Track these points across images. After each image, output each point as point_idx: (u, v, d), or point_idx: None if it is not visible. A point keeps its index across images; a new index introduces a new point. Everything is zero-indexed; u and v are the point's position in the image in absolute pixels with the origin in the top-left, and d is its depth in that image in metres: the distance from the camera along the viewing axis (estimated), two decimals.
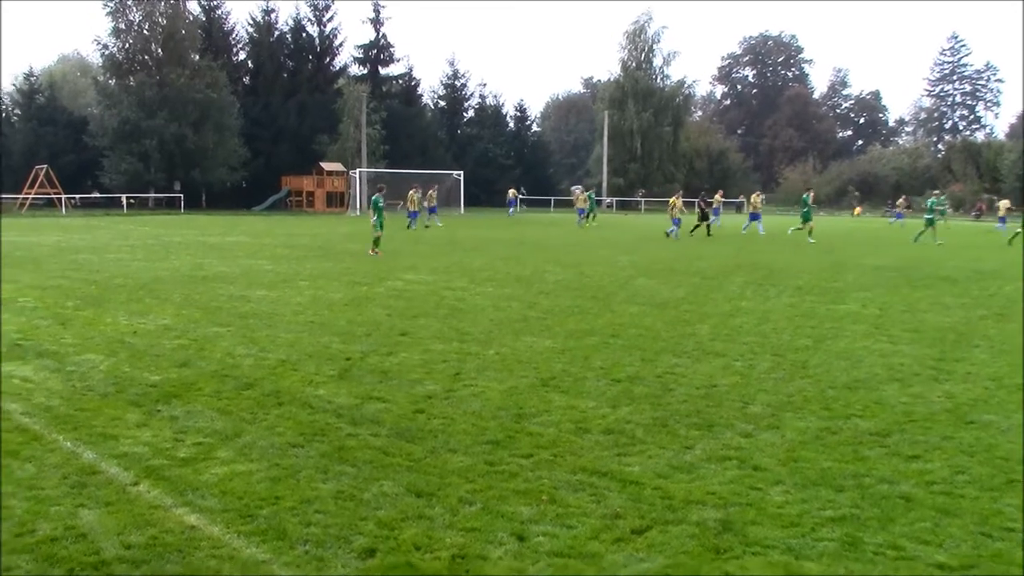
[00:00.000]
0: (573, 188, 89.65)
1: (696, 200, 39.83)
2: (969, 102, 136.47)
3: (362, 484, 6.03)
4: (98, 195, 65.67)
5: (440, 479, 6.14)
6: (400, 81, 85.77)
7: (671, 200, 37.04)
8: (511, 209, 64.09)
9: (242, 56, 79.44)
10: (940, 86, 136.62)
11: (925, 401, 8.54)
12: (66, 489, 5.88)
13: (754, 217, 40.98)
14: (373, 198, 26.68)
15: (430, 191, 47.21)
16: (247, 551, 4.94)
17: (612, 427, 7.49)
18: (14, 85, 76.43)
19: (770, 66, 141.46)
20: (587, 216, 48.55)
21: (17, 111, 74.27)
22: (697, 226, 37.65)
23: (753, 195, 44.09)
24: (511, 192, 65.68)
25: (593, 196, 51.79)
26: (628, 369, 9.86)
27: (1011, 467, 6.50)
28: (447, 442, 7.01)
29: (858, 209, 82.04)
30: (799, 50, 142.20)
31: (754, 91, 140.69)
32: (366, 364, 9.98)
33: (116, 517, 5.40)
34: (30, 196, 59.71)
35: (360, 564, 4.80)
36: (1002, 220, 44.74)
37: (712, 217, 39.00)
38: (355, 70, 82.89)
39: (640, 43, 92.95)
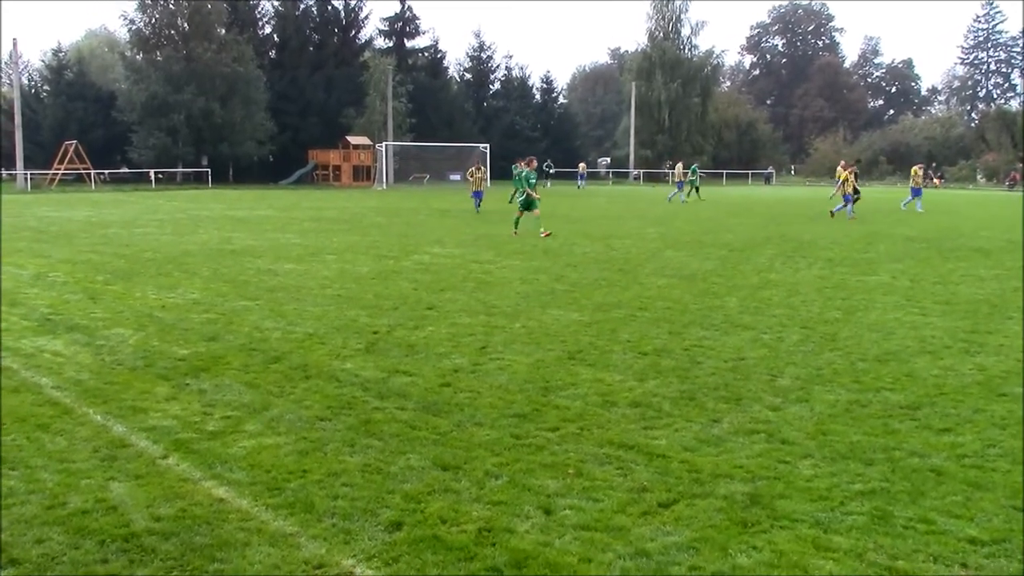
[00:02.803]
0: (600, 160, 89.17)
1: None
2: (1004, 70, 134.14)
3: (389, 457, 6.04)
4: (127, 170, 66.11)
5: (466, 452, 6.14)
6: (426, 54, 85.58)
7: (843, 174, 31.92)
8: (581, 182, 65.81)
9: (268, 30, 79.56)
10: (974, 54, 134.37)
11: (956, 374, 8.44)
12: (96, 462, 5.93)
13: (916, 192, 36.01)
14: (524, 173, 24.00)
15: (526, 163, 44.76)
16: (275, 524, 4.97)
17: (639, 400, 7.46)
18: (43, 61, 77.08)
19: (800, 35, 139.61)
20: (689, 191, 45.32)
21: (46, 87, 74.84)
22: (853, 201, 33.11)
23: (914, 168, 38.24)
24: (581, 166, 68.57)
25: (697, 169, 47.94)
26: (655, 342, 9.81)
27: None
28: (473, 415, 7.01)
29: (938, 181, 79.36)
30: (829, 18, 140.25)
31: (784, 61, 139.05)
32: (393, 338, 9.99)
33: (146, 490, 5.45)
34: (60, 171, 60.20)
35: (386, 537, 4.81)
36: None
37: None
38: (381, 43, 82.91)
39: (667, 13, 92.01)
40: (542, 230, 22.49)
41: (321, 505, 5.22)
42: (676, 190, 45.45)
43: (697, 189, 46.54)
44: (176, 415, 7.00)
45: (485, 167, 37.47)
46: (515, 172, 40.18)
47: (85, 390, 7.74)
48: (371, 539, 4.78)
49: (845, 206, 30.85)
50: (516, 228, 22.91)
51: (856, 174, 33.51)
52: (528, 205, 23.07)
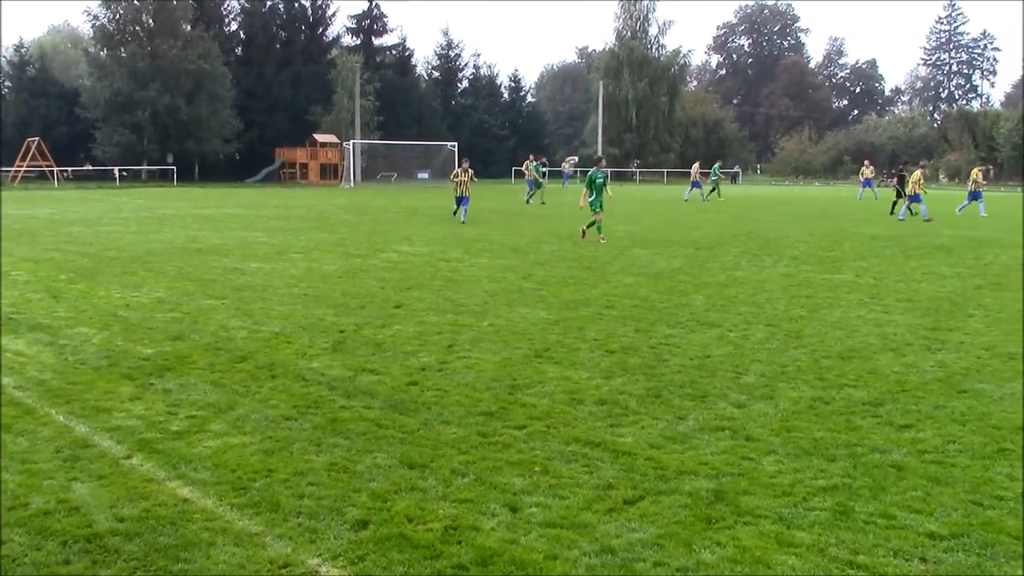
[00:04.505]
0: (568, 158, 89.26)
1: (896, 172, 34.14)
2: (965, 71, 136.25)
3: (355, 456, 6.03)
4: (91, 168, 65.28)
5: (433, 451, 6.14)
6: (394, 52, 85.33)
7: (915, 174, 30.62)
8: (566, 181, 63.87)
9: (234, 27, 78.93)
10: (936, 55, 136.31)
11: (918, 370, 8.55)
12: (59, 463, 5.87)
13: (974, 196, 33.40)
14: (590, 173, 22.01)
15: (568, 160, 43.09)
16: (240, 523, 4.95)
17: (606, 398, 7.50)
18: (4, 57, 75.81)
19: (766, 35, 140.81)
20: (710, 190, 45.01)
21: (8, 83, 73.74)
22: (895, 203, 32.56)
23: (973, 171, 35.40)
24: (566, 165, 66.59)
25: (718, 168, 47.50)
26: (622, 340, 9.86)
27: (1003, 436, 6.52)
28: (440, 414, 7.01)
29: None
30: (795, 19, 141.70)
31: (750, 61, 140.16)
32: (360, 336, 9.97)
33: (109, 490, 5.40)
34: (22, 169, 59.36)
35: (353, 536, 4.80)
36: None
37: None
38: (348, 41, 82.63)
39: (635, 12, 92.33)
40: (601, 237, 21.03)
41: (287, 504, 5.20)
42: (691, 188, 44.81)
43: (717, 188, 45.86)
44: (140, 415, 6.94)
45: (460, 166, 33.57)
46: (528, 166, 39.97)
47: (48, 390, 7.65)
48: (337, 538, 4.78)
49: (909, 205, 30.27)
50: (586, 230, 21.53)
51: (902, 177, 33.46)
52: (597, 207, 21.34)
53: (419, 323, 10.76)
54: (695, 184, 44.78)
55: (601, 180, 21.62)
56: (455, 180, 27.53)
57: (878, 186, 49.96)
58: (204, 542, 4.71)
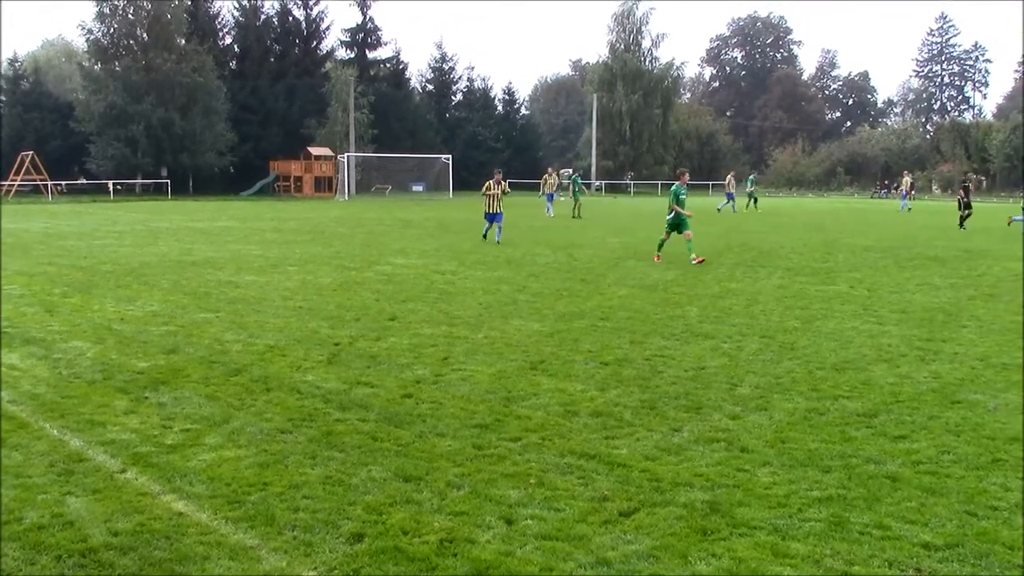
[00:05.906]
0: (562, 171, 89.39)
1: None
2: (957, 83, 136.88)
3: (350, 469, 6.02)
4: (84, 181, 65.23)
5: (428, 463, 6.14)
6: (388, 64, 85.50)
7: None
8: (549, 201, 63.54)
9: (228, 40, 79.07)
10: (929, 67, 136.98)
11: (912, 381, 8.57)
12: (53, 477, 5.86)
13: None
14: (674, 188, 20.01)
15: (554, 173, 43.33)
16: (235, 537, 4.93)
17: (600, 410, 7.50)
18: None
19: (759, 47, 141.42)
20: (748, 202, 44.78)
21: (2, 97, 73.71)
22: (961, 216, 32.31)
23: None
24: (553, 178, 65.69)
25: (754, 180, 47.73)
26: (617, 352, 9.87)
27: (997, 446, 6.54)
28: (435, 426, 7.01)
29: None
30: (788, 31, 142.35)
31: (743, 73, 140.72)
32: (355, 349, 9.97)
33: (103, 504, 5.39)
34: (16, 182, 59.27)
35: (348, 549, 4.80)
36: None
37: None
38: (342, 54, 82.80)
39: (628, 25, 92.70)
40: (693, 256, 19.07)
41: (282, 518, 5.19)
42: (727, 200, 45.02)
43: (755, 200, 46.00)
44: (135, 428, 6.93)
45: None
46: (547, 180, 39.76)
47: (42, 404, 7.63)
48: (332, 551, 4.77)
49: None
50: (659, 251, 19.84)
51: (967, 188, 33.58)
52: (677, 226, 19.59)
53: (414, 335, 10.76)
54: (730, 195, 45.30)
55: (684, 196, 19.91)
56: (487, 194, 24.34)
57: (872, 197, 50.82)
58: (199, 556, 4.70)
